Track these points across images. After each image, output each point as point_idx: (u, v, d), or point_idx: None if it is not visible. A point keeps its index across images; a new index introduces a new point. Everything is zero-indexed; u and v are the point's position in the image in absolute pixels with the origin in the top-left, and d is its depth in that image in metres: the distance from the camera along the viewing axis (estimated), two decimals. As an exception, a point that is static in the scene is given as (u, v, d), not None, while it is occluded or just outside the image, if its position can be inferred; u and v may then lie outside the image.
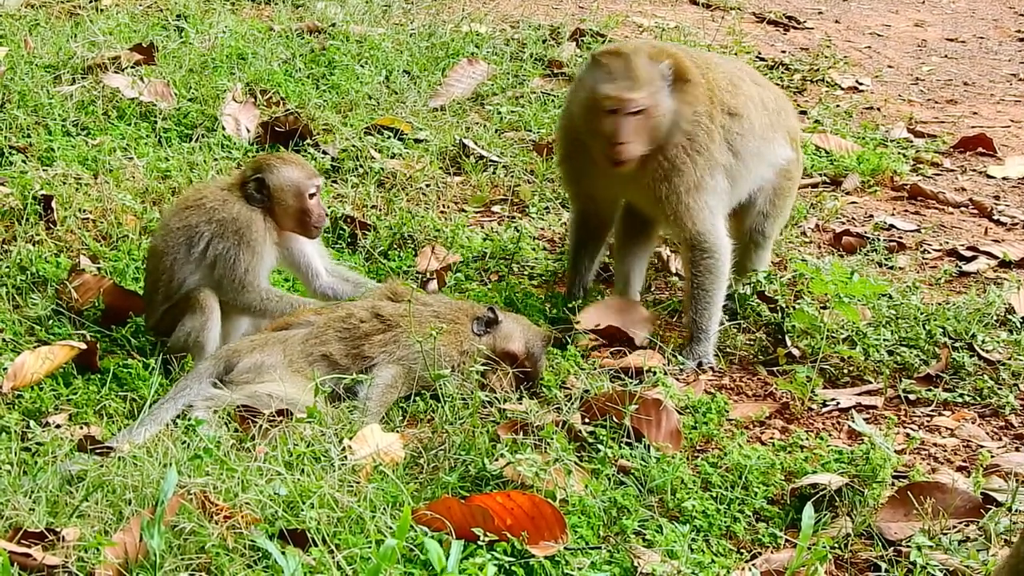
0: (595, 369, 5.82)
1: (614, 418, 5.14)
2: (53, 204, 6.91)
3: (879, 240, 7.50)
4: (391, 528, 4.35)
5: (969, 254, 7.36)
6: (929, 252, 7.45)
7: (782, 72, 10.39)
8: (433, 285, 6.71)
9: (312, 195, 6.05)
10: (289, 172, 6.04)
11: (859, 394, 5.89)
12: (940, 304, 6.51)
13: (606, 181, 6.29)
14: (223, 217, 5.93)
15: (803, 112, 9.62)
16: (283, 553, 4.15)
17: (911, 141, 9.17)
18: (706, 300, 6.15)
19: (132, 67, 8.76)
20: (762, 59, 10.67)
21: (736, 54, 10.25)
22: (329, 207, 7.18)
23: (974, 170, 8.79)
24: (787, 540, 4.77)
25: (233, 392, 5.37)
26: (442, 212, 7.67)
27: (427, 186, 7.86)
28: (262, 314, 5.98)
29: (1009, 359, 6.07)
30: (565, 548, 4.43)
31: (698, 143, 6.09)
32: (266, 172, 6.01)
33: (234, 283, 5.89)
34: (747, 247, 6.65)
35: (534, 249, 7.23)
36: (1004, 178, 8.63)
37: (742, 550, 4.74)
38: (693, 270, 6.18)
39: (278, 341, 5.63)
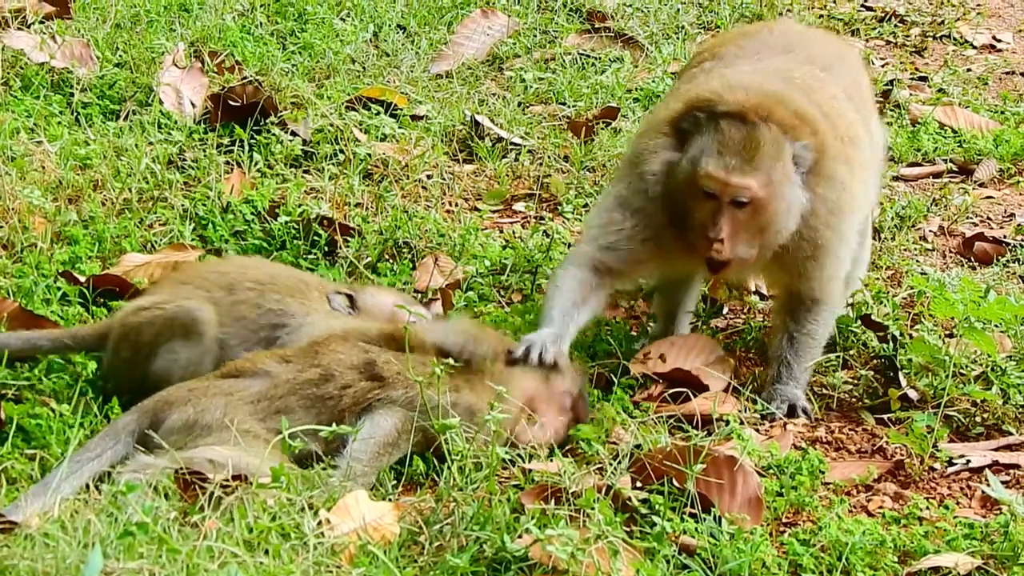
0: (649, 417, 5.85)
1: (674, 481, 5.17)
2: (-62, 203, 6.98)
3: (1023, 247, 7.53)
4: (383, 626, 4.39)
5: None
6: (1090, 263, 7.48)
7: (896, 26, 10.40)
8: (437, 308, 6.75)
9: None
10: None
11: (996, 449, 5.89)
12: (1105, 331, 6.52)
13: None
14: None
15: (923, 78, 9.63)
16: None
17: (1066, 116, 9.19)
18: (812, 347, 6.33)
19: (41, 22, 8.80)
20: (868, 8, 10.69)
21: (834, 2, 10.27)
22: (300, 205, 7.24)
23: None
24: (902, 642, 4.81)
25: (160, 458, 5.30)
26: (448, 211, 7.71)
27: (428, 177, 7.89)
28: None
29: None
30: (610, 652, 4.47)
31: (843, 213, 6.23)
32: None
33: None
34: None
35: (569, 259, 7.23)
36: None
37: (843, 655, 4.78)
38: (806, 318, 6.33)
39: (221, 393, 5.56)
